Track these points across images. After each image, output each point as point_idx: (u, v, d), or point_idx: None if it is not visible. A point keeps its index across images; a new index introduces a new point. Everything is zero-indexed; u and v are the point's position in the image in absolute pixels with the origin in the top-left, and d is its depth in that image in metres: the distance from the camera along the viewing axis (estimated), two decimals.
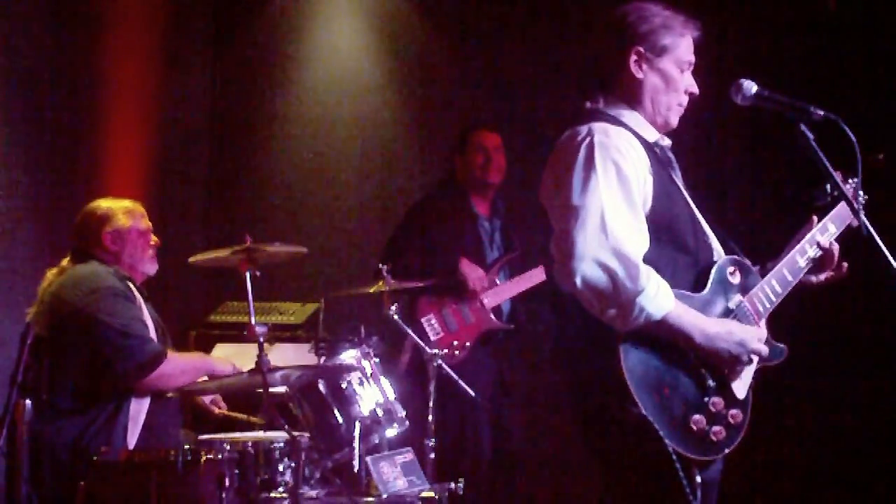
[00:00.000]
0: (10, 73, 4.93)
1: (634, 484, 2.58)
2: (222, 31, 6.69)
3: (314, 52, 6.61)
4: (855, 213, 2.63)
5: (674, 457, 2.46)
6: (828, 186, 2.74)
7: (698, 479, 2.51)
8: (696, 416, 2.51)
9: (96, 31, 5.64)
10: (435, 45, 6.40)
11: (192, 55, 6.58)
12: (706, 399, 2.54)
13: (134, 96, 5.93)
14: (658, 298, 2.47)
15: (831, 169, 2.61)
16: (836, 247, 2.91)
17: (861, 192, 3.02)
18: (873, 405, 5.16)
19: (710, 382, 2.55)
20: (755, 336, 2.62)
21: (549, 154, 2.68)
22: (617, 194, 2.52)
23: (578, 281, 2.45)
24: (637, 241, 2.53)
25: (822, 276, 2.92)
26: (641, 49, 2.70)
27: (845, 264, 2.93)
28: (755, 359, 2.64)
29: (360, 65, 6.54)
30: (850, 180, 2.98)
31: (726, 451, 2.57)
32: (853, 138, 2.57)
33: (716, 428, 2.54)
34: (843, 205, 2.84)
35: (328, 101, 6.55)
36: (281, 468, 3.67)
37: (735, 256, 2.73)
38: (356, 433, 3.82)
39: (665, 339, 2.51)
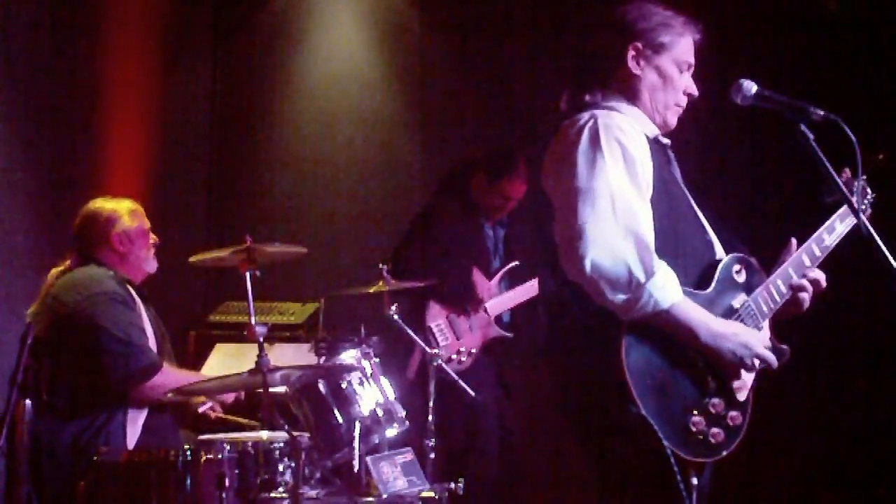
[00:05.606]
0: (10, 73, 4.93)
1: (630, 485, 2.55)
2: (222, 31, 6.69)
3: (314, 52, 6.61)
4: (855, 212, 2.61)
5: (672, 459, 2.42)
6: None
7: (694, 481, 2.49)
8: (696, 418, 2.48)
9: (97, 31, 5.64)
10: (435, 44, 6.40)
11: (192, 55, 6.58)
12: (706, 400, 2.51)
13: (134, 97, 5.93)
14: (667, 287, 2.44)
15: (831, 169, 2.60)
16: (821, 276, 2.76)
17: (869, 190, 3.01)
18: (873, 405, 5.16)
19: (712, 383, 2.52)
20: (760, 341, 2.58)
21: (551, 139, 2.64)
22: (624, 176, 2.48)
23: (588, 266, 2.40)
24: (648, 224, 2.48)
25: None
26: (640, 45, 2.69)
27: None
28: (757, 363, 2.58)
29: (359, 64, 6.54)
30: (857, 178, 2.97)
31: (724, 453, 2.53)
32: (853, 138, 2.56)
33: (715, 430, 2.50)
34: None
35: (328, 101, 6.55)
36: (281, 468, 3.66)
37: (741, 254, 2.70)
38: (356, 433, 3.81)
39: (668, 336, 2.47)
